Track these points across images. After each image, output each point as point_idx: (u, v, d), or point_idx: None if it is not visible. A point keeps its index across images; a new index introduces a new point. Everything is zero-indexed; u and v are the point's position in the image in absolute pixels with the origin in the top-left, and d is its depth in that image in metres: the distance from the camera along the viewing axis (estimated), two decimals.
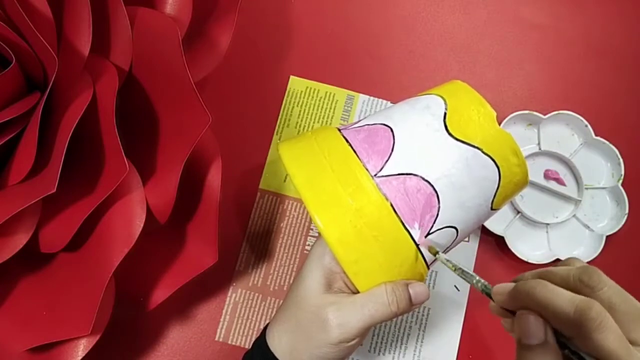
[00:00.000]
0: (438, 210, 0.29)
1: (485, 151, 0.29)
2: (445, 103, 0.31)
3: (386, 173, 0.30)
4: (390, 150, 0.30)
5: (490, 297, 0.26)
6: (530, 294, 0.23)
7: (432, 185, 0.29)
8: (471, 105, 0.31)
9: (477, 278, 0.27)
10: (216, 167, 0.36)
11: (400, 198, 0.29)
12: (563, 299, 0.22)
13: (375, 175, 0.30)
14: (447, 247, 0.32)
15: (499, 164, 0.30)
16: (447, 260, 0.29)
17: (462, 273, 0.28)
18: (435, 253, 0.30)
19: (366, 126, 0.32)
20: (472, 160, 0.29)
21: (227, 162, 0.37)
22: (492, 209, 0.31)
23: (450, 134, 0.30)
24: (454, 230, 0.30)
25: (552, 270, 0.24)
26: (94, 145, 0.34)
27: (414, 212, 0.29)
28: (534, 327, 0.23)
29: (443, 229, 0.30)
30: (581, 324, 0.21)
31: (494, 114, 0.30)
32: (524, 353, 0.23)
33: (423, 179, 0.29)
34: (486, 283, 0.27)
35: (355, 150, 0.31)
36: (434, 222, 0.30)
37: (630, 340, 0.21)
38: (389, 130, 0.31)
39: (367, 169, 0.30)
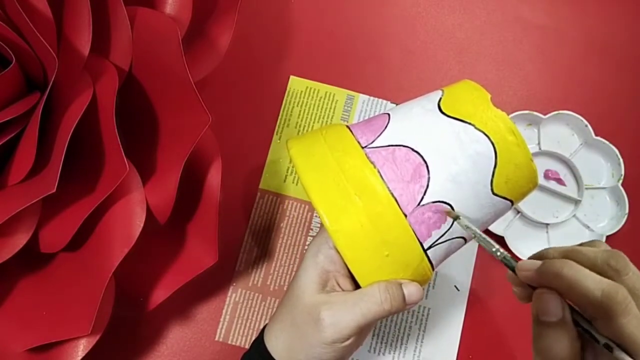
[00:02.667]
0: (428, 181, 0.29)
1: (478, 127, 0.29)
2: (443, 92, 0.33)
3: (376, 145, 0.31)
4: (383, 128, 0.32)
5: (510, 268, 0.26)
6: (558, 274, 0.23)
7: (421, 156, 0.30)
8: (466, 89, 0.32)
9: (497, 247, 0.27)
10: (216, 167, 0.36)
11: (388, 166, 0.30)
12: (591, 281, 0.22)
13: (365, 147, 0.31)
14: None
15: (493, 140, 0.29)
16: (467, 227, 0.29)
17: (483, 241, 0.28)
18: (455, 217, 0.29)
19: (369, 117, 0.34)
20: (463, 135, 0.30)
21: (227, 162, 0.37)
22: (493, 193, 0.30)
23: (442, 112, 0.31)
24: (448, 207, 0.30)
25: (579, 250, 0.24)
26: (94, 145, 0.34)
27: (402, 180, 0.29)
28: (553, 305, 0.23)
29: (435, 204, 0.30)
30: (607, 307, 0.21)
31: (489, 95, 0.30)
32: (541, 329, 0.23)
33: (412, 149, 0.30)
34: (506, 254, 0.27)
35: (352, 131, 0.32)
36: (424, 194, 0.29)
37: None
38: (387, 115, 0.33)
39: (358, 142, 0.31)
